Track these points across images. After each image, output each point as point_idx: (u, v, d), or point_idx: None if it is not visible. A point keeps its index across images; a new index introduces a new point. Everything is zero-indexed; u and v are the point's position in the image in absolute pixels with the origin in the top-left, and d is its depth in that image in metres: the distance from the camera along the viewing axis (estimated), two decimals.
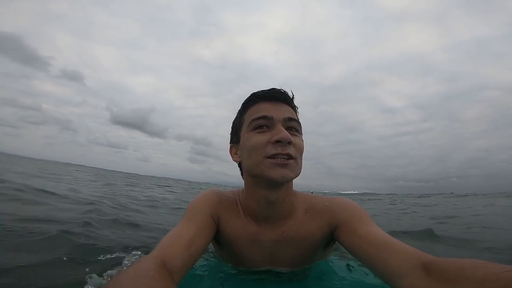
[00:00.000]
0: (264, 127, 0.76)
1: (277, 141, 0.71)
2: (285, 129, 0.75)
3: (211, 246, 1.07)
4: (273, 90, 0.81)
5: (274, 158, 0.71)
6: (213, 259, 1.10)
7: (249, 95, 0.85)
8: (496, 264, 0.46)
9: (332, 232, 0.82)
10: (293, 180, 0.83)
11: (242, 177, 0.89)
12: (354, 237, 0.72)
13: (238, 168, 0.90)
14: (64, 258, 1.04)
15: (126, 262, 1.06)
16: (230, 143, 0.91)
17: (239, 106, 0.88)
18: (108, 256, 1.15)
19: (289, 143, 0.72)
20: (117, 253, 1.19)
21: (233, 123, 0.90)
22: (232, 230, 0.85)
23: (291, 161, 0.72)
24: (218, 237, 0.89)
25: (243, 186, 0.89)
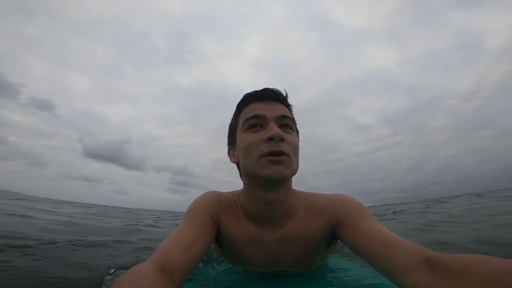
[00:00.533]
0: (258, 127, 0.76)
1: (270, 139, 0.71)
2: (279, 127, 0.74)
3: (213, 247, 1.05)
4: (265, 89, 0.81)
5: (268, 155, 0.71)
6: (215, 260, 1.08)
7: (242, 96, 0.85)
8: (501, 259, 0.45)
9: (334, 230, 0.80)
10: (292, 181, 0.82)
11: (241, 178, 0.88)
12: (356, 233, 0.71)
13: (237, 169, 0.90)
14: None
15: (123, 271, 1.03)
16: (227, 145, 0.91)
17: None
18: None
19: (282, 140, 0.71)
20: None
21: (229, 125, 0.90)
22: (232, 232, 0.84)
23: (285, 158, 0.71)
24: (220, 239, 0.88)
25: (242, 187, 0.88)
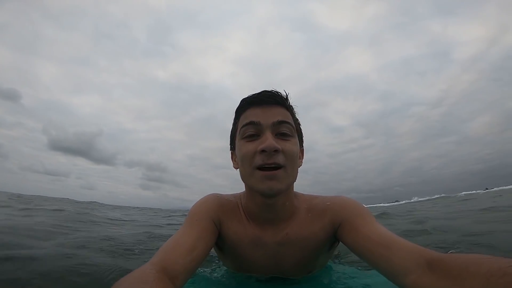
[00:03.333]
0: (255, 135, 0.74)
1: (263, 151, 0.69)
2: (276, 134, 0.73)
3: (213, 251, 1.04)
4: (262, 92, 0.78)
5: (262, 169, 0.70)
6: (215, 264, 1.08)
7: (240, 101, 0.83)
8: (501, 258, 0.45)
9: (335, 231, 0.80)
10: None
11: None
12: (357, 235, 0.71)
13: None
14: None
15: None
16: (230, 150, 0.90)
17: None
18: None
19: (276, 151, 0.69)
20: None
21: (231, 130, 0.89)
22: (234, 234, 0.83)
23: (279, 171, 0.70)
24: (220, 242, 0.87)
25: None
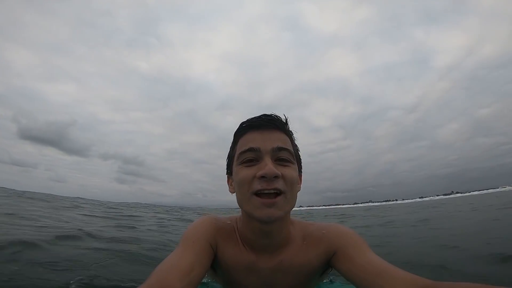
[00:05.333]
0: (253, 160, 0.74)
1: (262, 177, 0.69)
2: (275, 160, 0.73)
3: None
4: (261, 116, 0.79)
5: (261, 195, 0.70)
6: (208, 285, 1.08)
7: (239, 125, 0.83)
8: (494, 287, 0.45)
9: (329, 259, 0.82)
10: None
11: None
12: (351, 264, 0.72)
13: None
14: None
15: None
16: (226, 174, 0.89)
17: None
18: None
19: (276, 177, 0.69)
20: None
21: (228, 154, 0.88)
22: (229, 258, 0.83)
23: (278, 198, 0.70)
24: (215, 265, 0.86)
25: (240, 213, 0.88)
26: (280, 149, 0.74)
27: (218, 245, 0.84)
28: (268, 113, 0.80)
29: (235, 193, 0.82)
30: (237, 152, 0.79)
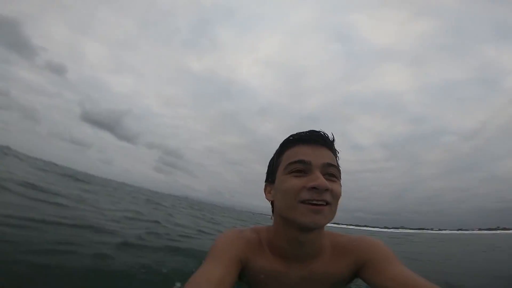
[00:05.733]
0: (302, 172, 0.76)
1: (314, 188, 0.71)
2: (323, 174, 0.74)
3: None
4: (312, 132, 0.81)
5: (308, 203, 0.72)
6: None
7: (287, 136, 0.85)
8: None
9: (358, 270, 0.83)
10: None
11: (272, 215, 0.89)
12: (381, 277, 0.73)
13: (271, 206, 0.90)
14: None
15: None
16: (265, 181, 0.91)
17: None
18: None
19: (326, 190, 0.72)
20: None
21: (270, 162, 0.91)
22: (259, 270, 0.85)
23: (326, 207, 0.73)
24: (243, 277, 0.87)
25: (266, 224, 0.93)
26: (330, 165, 0.77)
27: (247, 257, 0.85)
28: (317, 129, 0.82)
29: (271, 201, 0.87)
30: (285, 162, 0.80)
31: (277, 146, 0.89)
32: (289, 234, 0.80)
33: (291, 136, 0.85)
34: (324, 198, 0.72)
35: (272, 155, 0.91)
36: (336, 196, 0.76)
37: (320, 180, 0.72)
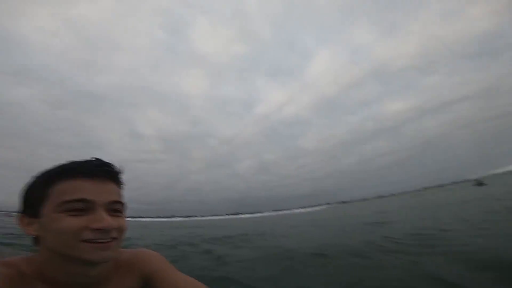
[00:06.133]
0: (81, 210, 0.68)
1: (98, 229, 0.67)
2: (108, 211, 0.68)
3: None
4: (94, 164, 0.68)
5: (94, 242, 0.68)
6: None
7: (57, 164, 0.68)
8: None
9: (146, 283, 0.82)
10: None
11: (36, 248, 0.72)
12: (166, 285, 0.75)
13: (33, 240, 0.72)
14: None
15: None
16: (21, 212, 0.71)
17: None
18: None
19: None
20: None
21: (28, 192, 0.70)
22: None
23: (113, 242, 0.69)
24: None
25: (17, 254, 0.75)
26: (116, 202, 0.71)
27: None
28: (98, 156, 0.70)
29: (36, 236, 0.71)
30: (58, 198, 0.70)
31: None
32: (72, 269, 0.72)
33: (65, 166, 0.69)
34: (111, 236, 0.70)
35: (30, 182, 0.70)
36: (122, 231, 0.72)
37: (105, 221, 0.69)
